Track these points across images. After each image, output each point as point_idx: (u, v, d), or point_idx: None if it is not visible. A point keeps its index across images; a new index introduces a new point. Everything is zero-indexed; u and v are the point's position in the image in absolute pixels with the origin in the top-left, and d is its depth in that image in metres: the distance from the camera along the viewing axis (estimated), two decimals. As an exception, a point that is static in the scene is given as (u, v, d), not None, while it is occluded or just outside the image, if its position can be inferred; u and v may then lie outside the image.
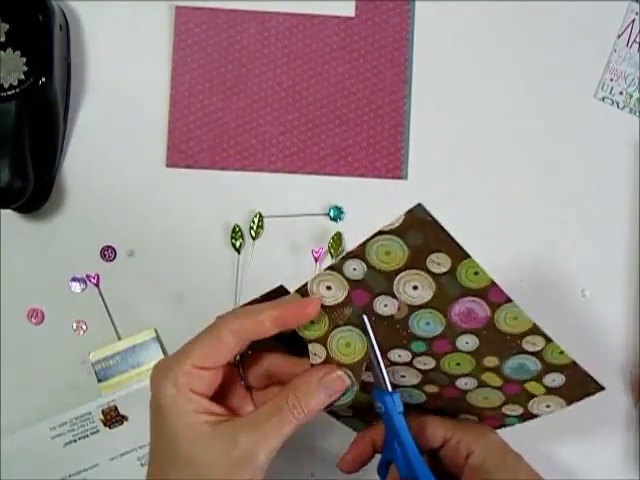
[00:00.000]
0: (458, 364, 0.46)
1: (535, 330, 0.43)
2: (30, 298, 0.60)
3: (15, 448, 0.58)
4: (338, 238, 0.61)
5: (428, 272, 0.41)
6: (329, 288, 0.43)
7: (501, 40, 0.63)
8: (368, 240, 0.40)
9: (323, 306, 0.43)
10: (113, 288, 0.61)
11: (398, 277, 0.41)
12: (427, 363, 0.46)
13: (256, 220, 0.61)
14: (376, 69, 0.62)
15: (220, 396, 0.44)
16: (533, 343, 0.44)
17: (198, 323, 0.60)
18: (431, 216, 0.39)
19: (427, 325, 0.44)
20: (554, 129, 0.63)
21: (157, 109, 0.62)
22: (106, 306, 0.60)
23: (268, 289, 0.45)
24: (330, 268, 0.42)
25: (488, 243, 0.62)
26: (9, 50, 0.55)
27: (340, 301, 0.43)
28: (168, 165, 0.62)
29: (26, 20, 0.56)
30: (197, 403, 0.42)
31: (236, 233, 0.61)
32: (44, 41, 0.56)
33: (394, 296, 0.42)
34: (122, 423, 0.58)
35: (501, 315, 0.43)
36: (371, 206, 0.62)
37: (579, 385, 0.46)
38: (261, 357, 0.46)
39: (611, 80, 0.62)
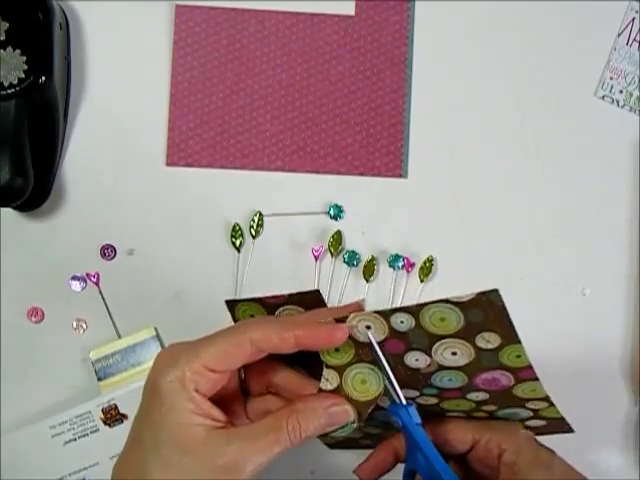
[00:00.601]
0: (458, 405, 0.47)
1: (546, 399, 0.44)
2: (30, 297, 0.60)
3: (15, 447, 0.58)
4: (338, 236, 0.61)
5: (473, 345, 0.41)
6: (368, 327, 0.42)
7: (501, 39, 0.63)
8: (429, 303, 0.40)
9: (354, 339, 0.42)
10: (113, 287, 0.61)
11: (441, 341, 0.41)
12: (429, 401, 0.46)
13: (256, 219, 0.61)
14: (376, 68, 0.62)
15: (218, 396, 0.44)
16: (536, 404, 0.45)
17: (198, 322, 0.61)
18: (503, 302, 0.38)
19: (449, 381, 0.44)
20: (554, 127, 0.63)
21: (157, 107, 0.62)
22: (106, 305, 0.60)
23: (301, 290, 0.45)
24: (378, 312, 0.41)
25: (488, 242, 0.62)
26: (9, 49, 0.56)
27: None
28: (168, 164, 0.62)
29: (26, 19, 0.56)
30: (197, 404, 0.41)
31: (236, 232, 0.61)
32: (44, 40, 0.56)
33: (429, 354, 0.42)
34: (122, 422, 0.58)
35: (522, 387, 0.43)
36: (371, 205, 0.62)
37: (554, 427, 0.49)
38: (267, 366, 0.45)
39: (611, 78, 0.62)
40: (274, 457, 0.41)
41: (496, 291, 0.38)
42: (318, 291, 0.44)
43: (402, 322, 0.41)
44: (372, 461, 0.49)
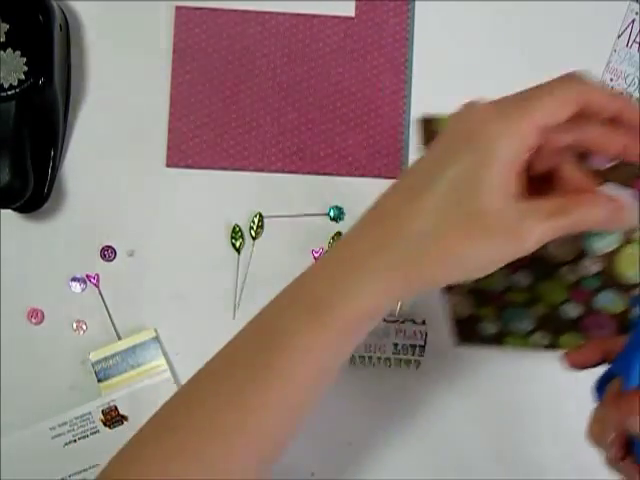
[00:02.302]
0: None
1: None
2: (30, 298, 0.60)
3: (15, 448, 0.58)
4: (338, 238, 0.61)
5: None
6: None
7: (501, 40, 0.63)
8: None
9: None
10: (113, 288, 0.61)
11: None
12: None
13: (256, 220, 0.61)
14: (376, 69, 0.62)
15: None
16: None
17: (198, 323, 0.61)
18: None
19: None
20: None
21: (157, 109, 0.62)
22: (106, 306, 0.60)
23: None
24: None
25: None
26: (9, 50, 0.55)
27: None
28: (168, 165, 0.62)
29: (26, 20, 0.56)
30: (519, 168, 0.38)
31: (236, 233, 0.61)
32: (44, 41, 0.56)
33: None
34: (122, 423, 0.59)
35: None
36: (371, 206, 0.62)
37: None
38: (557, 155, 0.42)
39: (611, 80, 0.62)
40: (559, 233, 0.38)
41: None
42: None
43: None
44: (582, 353, 0.47)
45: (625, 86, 0.62)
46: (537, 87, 0.40)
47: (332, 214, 0.61)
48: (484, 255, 0.39)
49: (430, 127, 0.54)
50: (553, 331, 0.52)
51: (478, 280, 0.39)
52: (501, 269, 0.39)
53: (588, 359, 0.48)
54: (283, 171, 0.62)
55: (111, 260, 0.61)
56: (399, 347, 0.60)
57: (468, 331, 0.58)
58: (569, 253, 0.47)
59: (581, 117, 0.40)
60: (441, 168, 0.40)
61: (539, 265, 0.46)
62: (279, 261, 0.61)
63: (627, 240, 0.41)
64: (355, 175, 0.62)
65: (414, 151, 0.62)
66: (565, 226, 0.39)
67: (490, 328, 0.57)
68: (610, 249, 0.41)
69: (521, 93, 0.41)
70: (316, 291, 0.41)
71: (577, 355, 0.48)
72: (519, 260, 0.39)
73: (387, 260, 0.39)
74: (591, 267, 0.47)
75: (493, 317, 0.55)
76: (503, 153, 0.38)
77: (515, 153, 0.39)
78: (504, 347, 0.57)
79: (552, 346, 0.55)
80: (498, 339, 0.57)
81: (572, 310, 0.52)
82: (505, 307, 0.55)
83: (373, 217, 0.42)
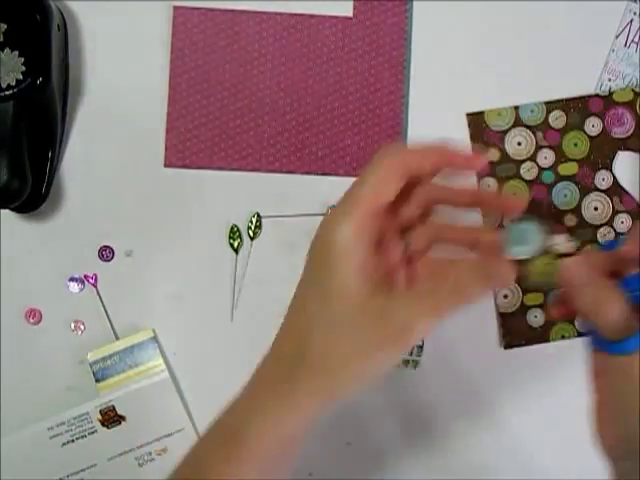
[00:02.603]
0: None
1: None
2: (28, 298, 0.60)
3: (13, 448, 0.58)
4: (336, 238, 0.61)
5: None
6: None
7: (499, 40, 0.63)
8: None
9: None
10: (111, 288, 0.61)
11: None
12: None
13: (254, 220, 0.61)
14: (374, 69, 0.62)
15: (380, 261, 0.42)
16: None
17: (196, 323, 0.61)
18: None
19: None
20: (552, 129, 0.63)
21: (155, 109, 0.62)
22: (104, 306, 0.60)
23: None
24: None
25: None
26: (7, 50, 0.55)
27: None
28: (166, 165, 0.62)
29: (24, 20, 0.56)
30: (362, 258, 0.40)
31: (234, 233, 0.61)
32: (42, 41, 0.56)
33: None
34: (120, 423, 0.58)
35: None
36: (369, 206, 0.62)
37: None
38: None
39: (609, 80, 0.62)
40: (438, 320, 0.40)
41: None
42: None
43: None
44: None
45: (623, 86, 0.62)
46: (363, 171, 0.42)
47: (330, 214, 0.61)
48: (376, 364, 0.40)
49: (478, 122, 0.60)
50: None
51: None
52: None
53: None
54: (281, 171, 0.62)
55: (109, 260, 0.61)
56: (397, 347, 0.59)
57: (516, 327, 0.60)
58: None
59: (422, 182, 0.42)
60: (304, 290, 0.42)
61: None
62: (277, 261, 0.61)
63: (544, 252, 0.42)
64: (353, 175, 0.62)
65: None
66: (446, 315, 0.40)
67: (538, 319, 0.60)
68: (524, 257, 0.42)
69: (354, 182, 0.42)
70: (231, 424, 0.42)
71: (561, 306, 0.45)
72: None
73: (294, 388, 0.40)
74: None
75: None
76: (344, 251, 0.40)
77: (355, 244, 0.40)
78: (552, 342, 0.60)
79: None
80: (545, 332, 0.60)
81: None
82: None
83: (278, 349, 0.43)
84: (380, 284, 0.41)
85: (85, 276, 0.60)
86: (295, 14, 0.62)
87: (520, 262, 0.42)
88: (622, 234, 0.61)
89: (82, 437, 0.58)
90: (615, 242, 0.42)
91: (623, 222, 0.61)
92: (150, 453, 0.59)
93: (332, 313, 0.40)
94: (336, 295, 0.40)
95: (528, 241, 0.41)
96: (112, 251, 0.61)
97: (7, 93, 0.55)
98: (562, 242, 0.42)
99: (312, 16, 0.62)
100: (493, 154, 0.61)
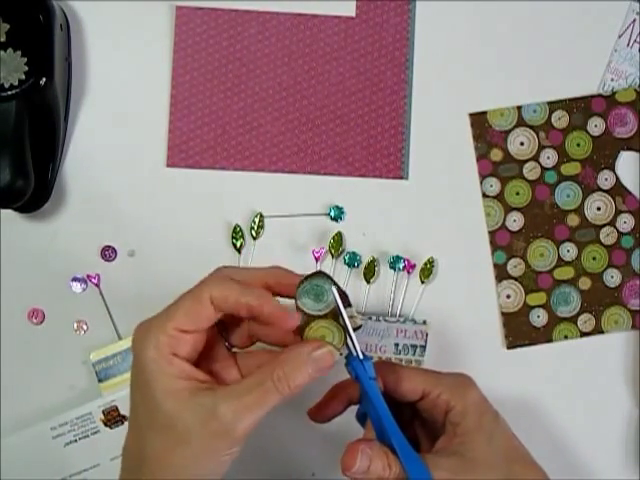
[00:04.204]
0: None
1: None
2: (31, 298, 0.60)
3: (15, 448, 0.58)
4: (339, 238, 0.61)
5: None
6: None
7: (502, 40, 0.63)
8: None
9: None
10: (114, 288, 0.61)
11: None
12: None
13: (257, 220, 0.61)
14: (377, 69, 0.62)
15: (204, 359, 0.44)
16: None
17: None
18: None
19: None
20: (555, 129, 0.63)
21: (157, 109, 0.62)
22: (107, 306, 0.60)
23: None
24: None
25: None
26: (10, 50, 0.55)
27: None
28: (169, 165, 0.62)
29: (27, 20, 0.56)
30: (178, 367, 0.41)
31: (237, 233, 0.61)
32: (45, 41, 0.56)
33: None
34: (123, 423, 0.58)
35: None
36: (372, 206, 0.62)
37: None
38: (243, 320, 0.46)
39: (612, 80, 0.62)
40: (266, 411, 0.41)
41: None
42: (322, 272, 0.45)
43: None
44: (324, 404, 0.49)
45: (626, 86, 0.62)
46: (185, 294, 0.44)
47: (332, 214, 0.61)
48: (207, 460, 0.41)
49: (480, 121, 0.61)
50: None
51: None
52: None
53: (332, 407, 0.48)
54: (283, 171, 0.62)
55: (112, 260, 0.61)
56: (400, 347, 0.60)
57: (518, 327, 0.60)
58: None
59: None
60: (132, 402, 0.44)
61: None
62: (280, 261, 0.60)
63: (326, 314, 0.44)
64: (355, 175, 0.62)
65: (415, 152, 0.62)
66: (272, 407, 0.41)
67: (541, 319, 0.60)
68: (312, 312, 0.44)
69: (177, 300, 0.44)
70: None
71: (320, 404, 0.49)
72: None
73: None
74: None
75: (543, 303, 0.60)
76: (156, 370, 0.41)
77: (166, 361, 0.41)
78: (554, 342, 0.61)
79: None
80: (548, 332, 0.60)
81: None
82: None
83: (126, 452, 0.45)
84: (207, 383, 0.42)
85: (88, 276, 0.60)
86: (298, 14, 0.62)
87: (308, 317, 0.43)
88: (625, 234, 0.61)
89: (85, 437, 0.58)
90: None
91: (626, 222, 0.61)
92: (153, 453, 0.59)
93: (161, 418, 0.41)
94: (161, 401, 0.41)
95: (318, 297, 0.44)
96: (115, 251, 0.61)
97: (10, 93, 0.55)
98: (351, 313, 0.44)
99: (315, 16, 0.62)
100: (496, 154, 0.61)
